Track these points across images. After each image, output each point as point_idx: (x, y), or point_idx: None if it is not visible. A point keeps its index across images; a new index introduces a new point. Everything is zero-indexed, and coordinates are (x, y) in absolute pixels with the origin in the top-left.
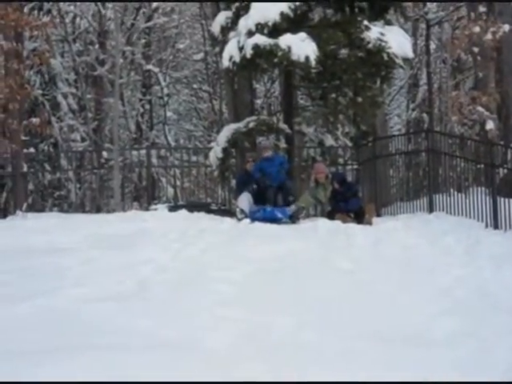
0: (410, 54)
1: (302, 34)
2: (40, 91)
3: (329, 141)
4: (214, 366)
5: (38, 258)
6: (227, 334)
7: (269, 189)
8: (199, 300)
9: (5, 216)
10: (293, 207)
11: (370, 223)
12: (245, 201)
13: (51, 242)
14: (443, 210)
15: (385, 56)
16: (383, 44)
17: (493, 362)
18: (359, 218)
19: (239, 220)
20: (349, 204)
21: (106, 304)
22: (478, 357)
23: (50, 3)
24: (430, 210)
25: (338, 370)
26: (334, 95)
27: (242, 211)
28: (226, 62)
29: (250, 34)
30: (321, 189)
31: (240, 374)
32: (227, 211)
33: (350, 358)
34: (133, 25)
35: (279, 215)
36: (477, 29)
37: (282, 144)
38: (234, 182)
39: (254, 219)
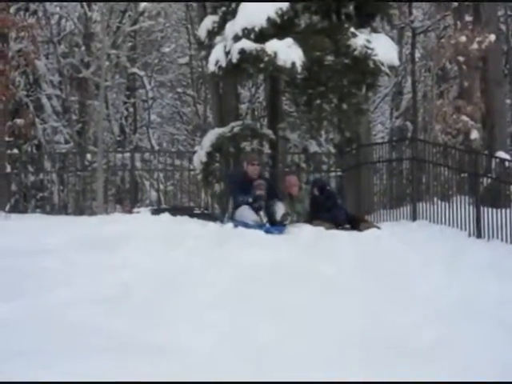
0: (396, 62)
1: (289, 40)
2: (24, 92)
3: (313, 147)
4: (196, 369)
5: (20, 258)
6: (211, 338)
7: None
8: (182, 304)
9: None
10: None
11: (370, 227)
12: (251, 214)
13: (34, 243)
14: (426, 218)
15: (371, 63)
16: (369, 51)
17: (479, 372)
18: (353, 224)
19: (222, 224)
20: (332, 214)
21: (90, 307)
22: (463, 366)
23: (36, 4)
24: (413, 218)
25: (321, 375)
26: (318, 101)
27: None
28: (211, 67)
29: (237, 38)
30: (296, 202)
31: (223, 376)
32: (210, 215)
33: (330, 364)
34: (118, 28)
35: (275, 232)
36: (463, 38)
37: (266, 149)
38: (217, 187)
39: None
